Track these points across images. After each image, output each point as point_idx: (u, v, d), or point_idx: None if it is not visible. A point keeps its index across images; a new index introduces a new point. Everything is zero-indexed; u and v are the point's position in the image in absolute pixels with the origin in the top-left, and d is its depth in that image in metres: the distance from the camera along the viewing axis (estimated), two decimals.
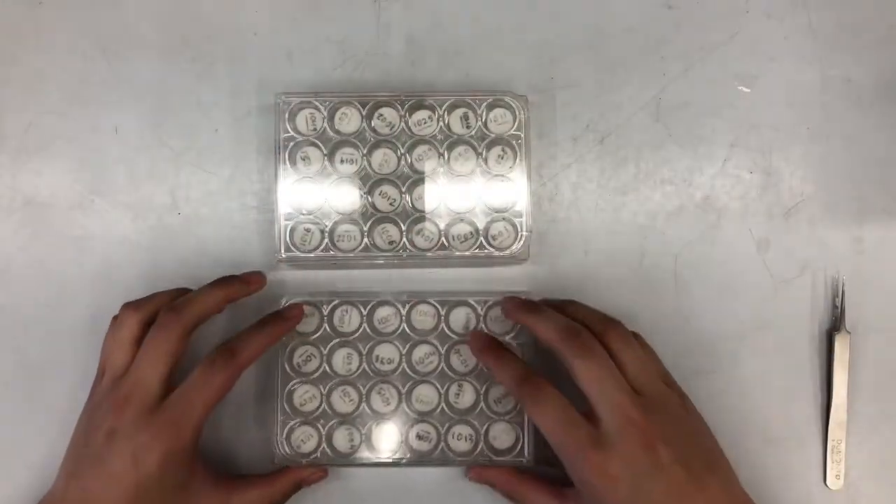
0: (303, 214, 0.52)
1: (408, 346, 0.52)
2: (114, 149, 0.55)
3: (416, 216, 0.53)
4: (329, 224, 0.52)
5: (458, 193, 0.53)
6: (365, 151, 0.53)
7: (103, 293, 0.53)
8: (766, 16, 0.56)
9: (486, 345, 0.50)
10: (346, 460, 0.52)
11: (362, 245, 0.52)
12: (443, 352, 0.52)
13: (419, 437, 0.52)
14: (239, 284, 0.50)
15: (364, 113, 0.53)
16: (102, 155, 0.55)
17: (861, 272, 0.55)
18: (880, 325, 0.54)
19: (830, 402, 0.53)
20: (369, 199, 0.53)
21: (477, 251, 0.52)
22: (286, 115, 0.52)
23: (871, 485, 0.53)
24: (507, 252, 0.53)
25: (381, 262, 0.53)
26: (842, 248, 0.55)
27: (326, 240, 0.52)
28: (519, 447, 0.51)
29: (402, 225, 0.52)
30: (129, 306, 0.48)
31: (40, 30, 0.55)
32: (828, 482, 0.53)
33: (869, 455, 0.53)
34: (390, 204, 0.53)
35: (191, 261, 0.54)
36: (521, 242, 0.52)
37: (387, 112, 0.53)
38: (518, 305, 0.50)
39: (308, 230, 0.52)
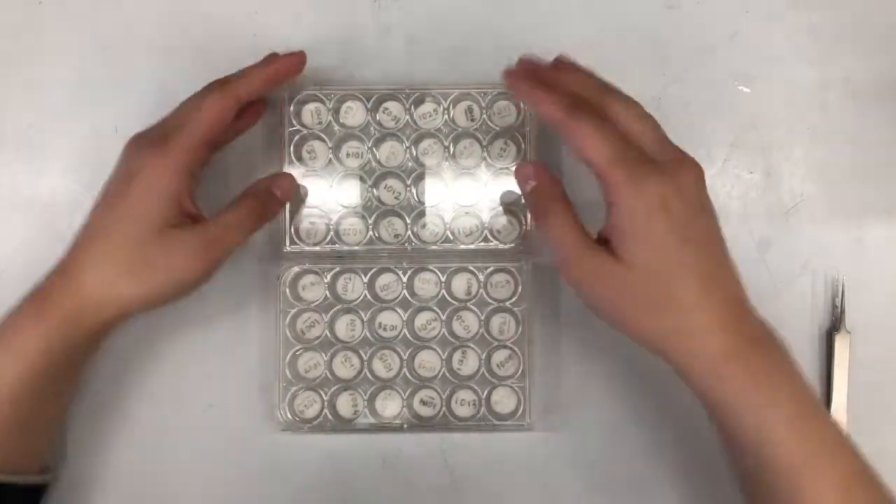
0: (308, 208, 0.53)
1: (409, 312, 0.52)
2: (114, 149, 0.54)
3: (421, 210, 0.53)
4: (334, 217, 0.53)
5: (463, 187, 0.53)
6: (370, 145, 0.53)
7: None
8: (766, 16, 0.56)
9: (524, 74, 0.46)
10: (349, 426, 0.52)
11: (367, 238, 0.53)
12: (444, 318, 0.52)
13: (423, 402, 0.52)
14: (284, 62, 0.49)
15: (369, 107, 0.53)
16: (102, 155, 0.54)
17: (861, 272, 0.55)
18: (880, 325, 0.54)
19: (830, 402, 0.53)
20: (374, 192, 0.53)
21: (481, 245, 0.53)
22: (291, 110, 0.52)
23: None
24: (511, 246, 0.53)
25: (385, 255, 0.53)
26: (842, 248, 0.55)
27: (331, 233, 0.52)
28: (521, 412, 0.52)
29: (406, 218, 0.53)
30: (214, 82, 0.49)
31: (40, 30, 0.55)
32: None
33: (869, 455, 0.53)
34: (395, 197, 0.53)
35: None
36: (525, 237, 0.53)
37: (392, 106, 0.53)
38: (520, 78, 0.45)
39: (313, 223, 0.53)
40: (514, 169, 0.48)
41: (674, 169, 0.42)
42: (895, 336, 0.54)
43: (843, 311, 0.53)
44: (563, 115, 0.42)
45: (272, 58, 0.50)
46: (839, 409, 0.53)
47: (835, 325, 0.53)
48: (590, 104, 0.43)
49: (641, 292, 0.42)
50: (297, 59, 0.50)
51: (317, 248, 0.52)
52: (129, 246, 0.44)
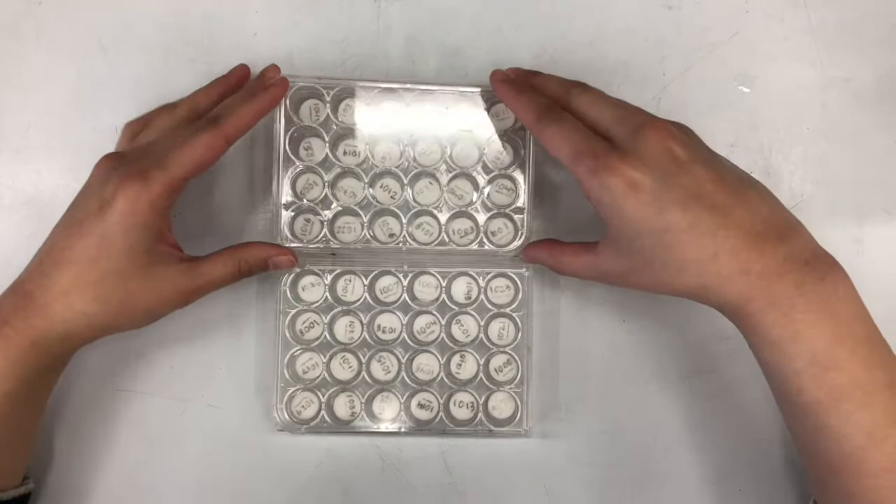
0: (304, 204, 0.53)
1: (409, 315, 0.53)
2: (113, 149, 0.55)
3: (417, 210, 0.53)
4: (329, 215, 0.53)
5: (460, 188, 0.53)
6: (368, 144, 0.53)
7: None
8: (766, 16, 0.56)
9: (507, 78, 0.49)
10: (346, 427, 0.52)
11: (362, 237, 0.53)
12: (443, 322, 0.52)
13: (420, 405, 0.52)
14: (267, 97, 0.49)
15: (368, 105, 0.53)
16: (102, 155, 0.55)
17: (861, 272, 0.54)
18: (880, 326, 0.54)
19: None
20: (370, 191, 0.53)
21: (476, 247, 0.53)
22: (289, 105, 0.52)
23: None
24: (507, 249, 0.53)
25: (380, 255, 0.53)
26: (842, 248, 0.54)
27: (326, 230, 0.52)
28: (518, 417, 0.52)
29: (402, 218, 0.53)
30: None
31: (40, 30, 0.56)
32: None
33: None
34: (391, 197, 0.53)
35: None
36: (521, 240, 0.53)
37: (390, 105, 0.53)
38: (502, 83, 0.49)
39: (308, 220, 0.53)
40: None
41: (634, 144, 0.42)
42: (895, 336, 0.54)
43: None
44: (533, 121, 0.46)
45: (259, 92, 0.48)
46: None
47: None
48: (555, 108, 0.45)
49: (653, 265, 0.43)
50: (283, 90, 0.50)
51: (311, 246, 0.52)
52: (109, 282, 0.43)
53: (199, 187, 0.54)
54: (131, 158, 0.45)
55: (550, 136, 0.44)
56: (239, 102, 0.47)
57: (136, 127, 0.50)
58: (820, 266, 0.42)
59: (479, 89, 0.53)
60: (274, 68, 0.51)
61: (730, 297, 0.42)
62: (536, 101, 0.46)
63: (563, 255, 0.49)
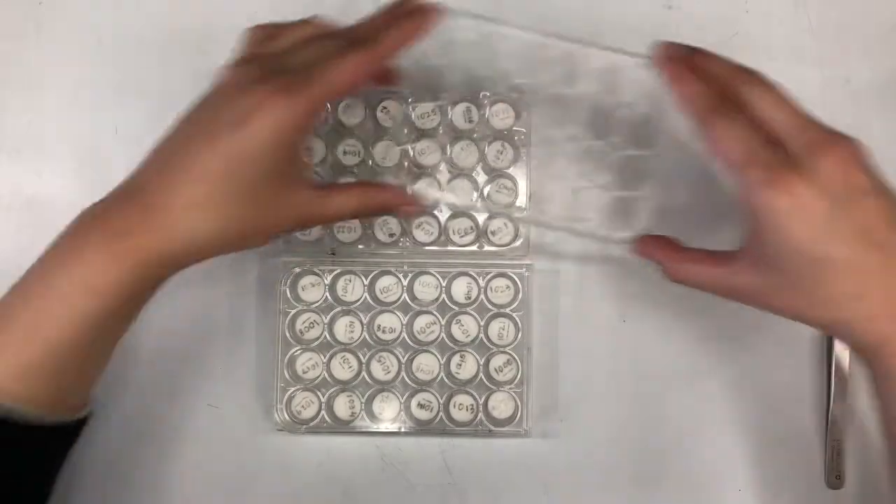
0: None
1: (409, 315, 0.53)
2: (114, 149, 0.55)
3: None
4: None
5: (460, 188, 0.53)
6: (368, 143, 0.53)
7: None
8: (766, 16, 0.56)
9: (672, 54, 0.43)
10: (346, 427, 0.52)
11: (362, 237, 0.53)
12: (443, 322, 0.52)
13: (420, 405, 0.52)
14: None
15: (368, 105, 0.53)
16: (102, 155, 0.55)
17: None
18: None
19: (830, 402, 0.53)
20: None
21: (476, 247, 0.53)
22: None
23: (871, 485, 0.53)
24: (507, 248, 0.53)
25: (380, 254, 0.53)
26: None
27: (326, 230, 0.53)
28: (518, 418, 0.52)
29: (402, 217, 0.53)
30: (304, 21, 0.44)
31: (40, 30, 0.56)
32: (827, 482, 0.53)
33: (869, 455, 0.53)
34: None
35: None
36: (521, 240, 0.53)
37: (390, 105, 0.53)
38: (668, 59, 0.43)
39: None
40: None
41: (813, 162, 0.39)
42: None
43: None
44: (703, 112, 0.41)
45: (406, 14, 0.42)
46: (839, 409, 0.53)
47: None
48: (728, 102, 0.41)
49: (787, 293, 0.41)
50: (432, 15, 0.43)
51: (311, 246, 0.53)
52: (240, 200, 0.40)
53: None
54: (271, 69, 0.40)
55: (720, 134, 0.40)
56: (388, 23, 0.42)
57: (263, 33, 0.44)
58: None
59: (480, 90, 0.53)
60: None
61: (870, 338, 0.40)
62: (708, 90, 0.41)
63: (684, 259, 0.45)
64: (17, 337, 0.39)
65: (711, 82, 0.42)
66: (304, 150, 0.43)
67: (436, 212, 0.53)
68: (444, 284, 0.53)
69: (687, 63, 0.43)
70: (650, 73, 0.44)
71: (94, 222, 0.40)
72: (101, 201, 0.41)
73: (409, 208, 0.50)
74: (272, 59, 0.42)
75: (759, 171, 0.39)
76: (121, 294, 0.40)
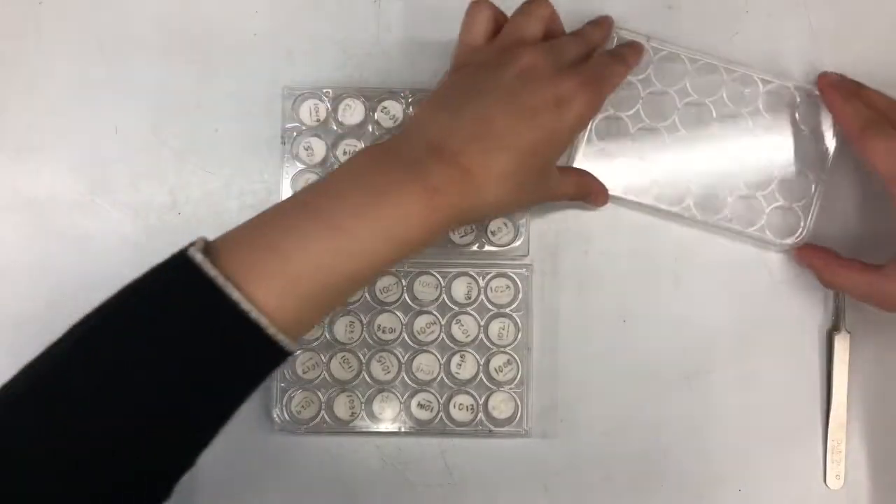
0: None
1: (409, 315, 0.52)
2: (114, 149, 0.55)
3: None
4: None
5: None
6: (368, 144, 0.53)
7: (103, 293, 0.53)
8: (766, 16, 0.56)
9: (836, 83, 0.52)
10: (346, 427, 0.52)
11: None
12: (443, 322, 0.52)
13: (420, 405, 0.52)
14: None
15: (368, 105, 0.53)
16: (102, 155, 0.55)
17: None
18: (880, 325, 0.54)
19: (830, 402, 0.53)
20: None
21: (476, 247, 0.53)
22: (290, 106, 0.53)
23: (870, 485, 0.53)
24: (507, 248, 0.53)
25: None
26: (842, 248, 0.54)
27: None
28: (518, 418, 0.52)
29: None
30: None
31: (40, 30, 0.56)
32: (828, 482, 0.53)
33: (869, 455, 0.53)
34: None
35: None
36: (521, 240, 0.53)
37: (390, 105, 0.53)
38: (833, 87, 0.51)
39: None
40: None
41: None
42: (895, 336, 0.54)
43: (843, 311, 0.53)
44: (858, 129, 0.48)
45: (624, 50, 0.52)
46: (839, 408, 0.53)
47: (835, 325, 0.53)
48: (883, 122, 0.47)
49: None
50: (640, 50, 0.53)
51: None
52: (537, 172, 0.45)
53: (201, 187, 0.54)
54: (567, 61, 0.46)
55: (874, 148, 0.46)
56: (619, 53, 0.51)
57: (490, 19, 0.48)
58: None
59: None
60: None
61: None
62: (864, 111, 0.48)
63: (840, 267, 0.50)
64: (308, 267, 0.38)
65: (869, 107, 0.49)
66: None
67: None
68: (444, 284, 0.53)
69: (847, 90, 0.51)
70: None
71: (409, 176, 0.41)
72: (404, 153, 0.42)
73: (602, 197, 0.53)
74: (559, 51, 0.46)
75: None
76: (419, 244, 0.41)
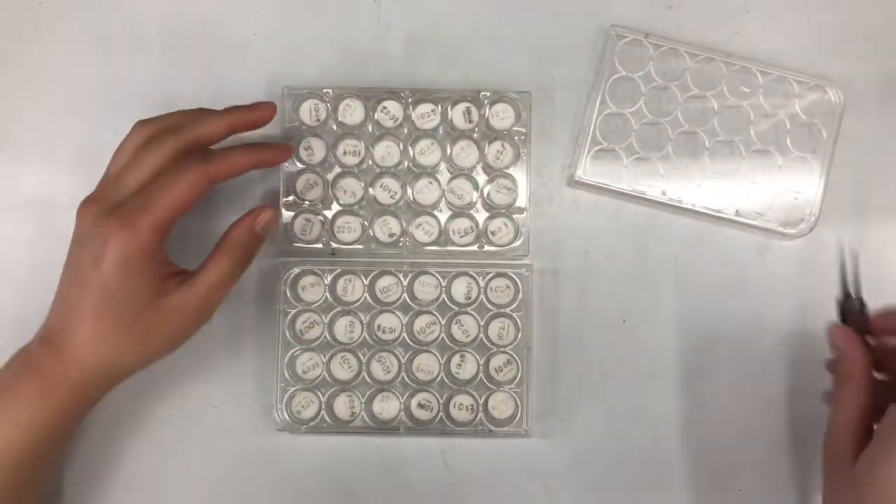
0: (304, 204, 0.53)
1: (409, 315, 0.52)
2: (114, 149, 0.54)
3: (417, 209, 0.53)
4: (329, 215, 0.53)
5: (459, 188, 0.53)
6: (368, 144, 0.53)
7: None
8: (766, 16, 0.56)
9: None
10: (346, 427, 0.52)
11: (362, 237, 0.53)
12: (443, 322, 0.52)
13: (420, 405, 0.52)
14: (245, 112, 0.48)
15: (368, 105, 0.53)
16: (102, 155, 0.54)
17: (861, 272, 0.54)
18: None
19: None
20: (370, 191, 0.53)
21: (476, 247, 0.53)
22: (290, 106, 0.53)
23: None
24: (507, 249, 0.53)
25: (380, 254, 0.53)
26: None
27: (326, 231, 0.53)
28: (518, 418, 0.52)
29: (402, 218, 0.53)
30: (140, 122, 0.48)
31: (40, 30, 0.56)
32: None
33: None
34: (391, 197, 0.53)
35: (191, 259, 0.54)
36: (521, 240, 0.53)
37: (390, 105, 0.53)
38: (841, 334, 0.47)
39: (308, 220, 0.53)
40: (832, 329, 0.48)
41: None
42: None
43: (846, 311, 0.51)
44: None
45: (260, 147, 0.49)
46: None
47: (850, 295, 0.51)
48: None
49: None
50: (284, 155, 0.50)
51: (311, 245, 0.53)
52: (124, 326, 0.44)
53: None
54: (114, 204, 0.44)
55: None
56: (233, 152, 0.47)
57: (145, 129, 0.48)
58: None
59: (479, 89, 0.53)
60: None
61: None
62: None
63: (864, 364, 0.46)
64: None
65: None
66: (165, 261, 0.46)
67: (435, 212, 0.53)
68: (444, 284, 0.53)
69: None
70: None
71: (24, 364, 0.46)
72: (29, 346, 0.46)
73: (263, 216, 0.48)
74: (117, 191, 0.45)
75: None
76: (53, 426, 0.45)
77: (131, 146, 0.47)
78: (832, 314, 0.54)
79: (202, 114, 0.48)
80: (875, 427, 0.45)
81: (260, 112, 0.49)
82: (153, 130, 0.47)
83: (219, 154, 0.46)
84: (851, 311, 0.49)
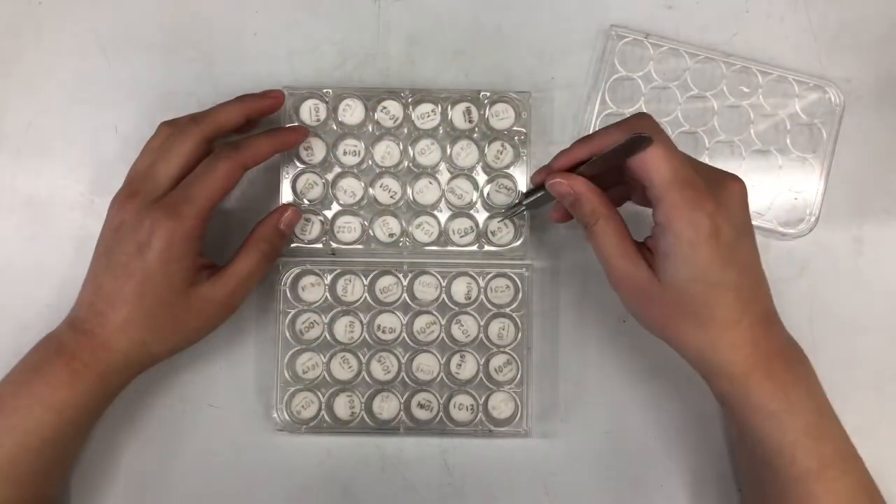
0: (304, 204, 0.53)
1: (409, 315, 0.53)
2: (114, 149, 0.55)
3: (417, 209, 0.53)
4: (329, 215, 0.53)
5: (459, 188, 0.53)
6: (368, 144, 0.53)
7: None
8: (766, 16, 0.56)
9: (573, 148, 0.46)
10: (346, 427, 0.52)
11: (362, 237, 0.53)
12: (443, 322, 0.52)
13: (420, 405, 0.52)
14: (258, 99, 0.51)
15: (368, 105, 0.53)
16: (102, 155, 0.55)
17: (861, 272, 0.55)
18: (880, 325, 0.54)
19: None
20: (370, 191, 0.53)
21: (476, 247, 0.53)
22: (290, 106, 0.53)
23: None
24: (507, 249, 0.53)
25: (380, 253, 0.53)
26: (842, 248, 0.55)
27: (326, 231, 0.53)
28: (518, 417, 0.52)
29: (402, 218, 0.53)
30: (164, 122, 0.49)
31: (40, 29, 0.56)
32: None
33: (869, 455, 0.53)
34: (391, 197, 0.53)
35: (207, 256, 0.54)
36: (521, 240, 0.53)
37: (390, 105, 0.53)
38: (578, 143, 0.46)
39: (308, 220, 0.53)
40: (549, 183, 0.46)
41: (721, 191, 0.43)
42: (895, 336, 0.54)
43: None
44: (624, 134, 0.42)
45: (280, 130, 0.51)
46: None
47: None
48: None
49: (679, 310, 0.43)
50: (301, 136, 0.52)
51: (311, 245, 0.53)
52: (158, 312, 0.46)
53: None
54: (155, 196, 0.47)
55: (651, 155, 0.42)
56: (260, 136, 0.49)
57: (169, 127, 0.49)
58: (797, 350, 0.45)
59: (479, 89, 0.53)
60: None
61: (734, 366, 0.43)
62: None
63: (602, 225, 0.44)
64: None
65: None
66: (200, 253, 0.48)
67: (435, 212, 0.53)
68: (444, 284, 0.53)
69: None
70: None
71: (54, 348, 0.47)
72: (58, 331, 0.48)
73: (287, 216, 0.51)
74: (148, 181, 0.47)
75: (688, 191, 0.42)
76: (81, 407, 0.47)
77: (156, 143, 0.48)
78: (832, 314, 0.54)
79: (219, 105, 0.50)
80: (646, 239, 0.45)
81: (270, 99, 0.51)
82: (175, 124, 0.49)
83: (246, 142, 0.48)
84: (537, 188, 0.48)
